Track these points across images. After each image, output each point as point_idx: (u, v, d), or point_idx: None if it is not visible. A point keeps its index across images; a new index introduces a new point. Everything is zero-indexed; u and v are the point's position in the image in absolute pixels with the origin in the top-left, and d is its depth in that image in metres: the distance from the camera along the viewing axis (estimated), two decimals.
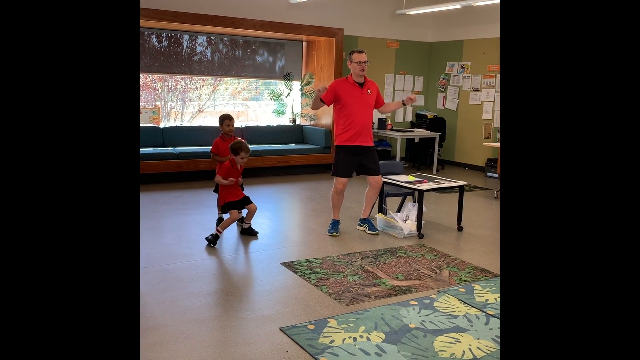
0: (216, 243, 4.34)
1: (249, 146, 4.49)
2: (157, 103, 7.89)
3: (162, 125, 7.40)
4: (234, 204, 4.47)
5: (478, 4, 7.00)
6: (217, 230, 4.39)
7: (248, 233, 4.67)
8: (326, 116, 7.96)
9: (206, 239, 4.37)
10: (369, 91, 4.66)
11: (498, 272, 3.88)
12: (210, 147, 4.97)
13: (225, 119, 4.80)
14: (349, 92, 4.60)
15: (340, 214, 4.92)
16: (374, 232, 4.81)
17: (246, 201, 4.56)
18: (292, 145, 7.93)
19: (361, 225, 4.93)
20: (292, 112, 8.44)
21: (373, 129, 4.84)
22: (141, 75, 7.66)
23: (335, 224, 4.82)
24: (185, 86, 8.12)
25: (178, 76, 7.79)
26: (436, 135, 8.33)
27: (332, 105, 4.71)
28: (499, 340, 2.80)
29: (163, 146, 7.15)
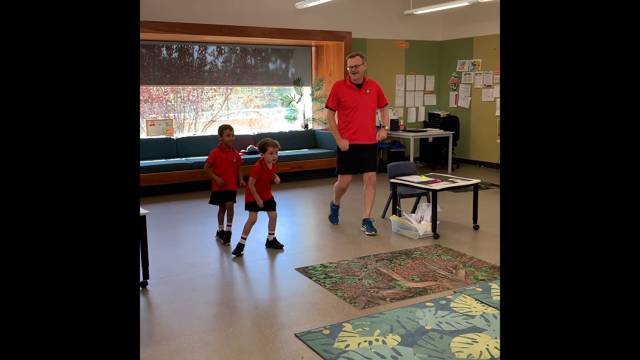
0: (241, 252, 4.29)
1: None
2: (170, 114, 7.97)
3: (175, 137, 7.46)
4: (255, 205, 4.29)
5: (486, 0, 6.95)
6: (242, 238, 4.33)
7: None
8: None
9: (233, 253, 4.30)
10: (367, 91, 4.75)
11: None
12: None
13: (226, 128, 4.63)
14: (348, 94, 4.73)
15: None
16: (370, 233, 4.79)
17: (270, 205, 4.37)
18: (305, 150, 7.94)
19: (363, 227, 4.94)
20: (304, 118, 8.46)
21: (388, 131, 4.92)
22: (153, 88, 7.75)
23: (335, 212, 5.13)
24: (197, 96, 8.19)
25: (190, 87, 7.86)
26: (450, 134, 8.28)
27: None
28: None
29: (177, 157, 7.21)
